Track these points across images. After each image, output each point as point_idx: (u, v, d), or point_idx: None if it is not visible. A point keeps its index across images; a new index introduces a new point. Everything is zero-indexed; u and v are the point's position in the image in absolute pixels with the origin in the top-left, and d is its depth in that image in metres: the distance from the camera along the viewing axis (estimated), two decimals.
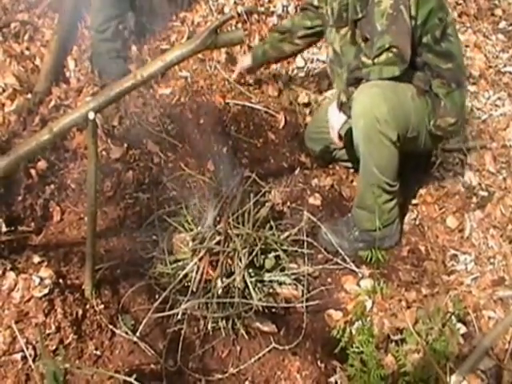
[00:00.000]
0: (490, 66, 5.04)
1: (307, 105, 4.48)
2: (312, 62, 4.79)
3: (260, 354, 2.99)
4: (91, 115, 2.38)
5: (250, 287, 3.06)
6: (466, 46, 5.12)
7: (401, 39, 3.16)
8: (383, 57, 3.17)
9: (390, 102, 3.22)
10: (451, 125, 3.43)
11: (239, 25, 4.81)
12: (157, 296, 3.06)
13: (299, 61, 4.75)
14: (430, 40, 3.32)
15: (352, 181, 4.02)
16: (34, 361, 2.58)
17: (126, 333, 2.85)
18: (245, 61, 4.34)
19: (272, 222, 3.41)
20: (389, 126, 3.21)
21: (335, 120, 3.46)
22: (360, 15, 3.34)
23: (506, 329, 2.80)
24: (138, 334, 2.85)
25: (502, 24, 5.49)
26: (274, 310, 3.15)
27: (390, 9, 3.13)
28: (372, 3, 3.21)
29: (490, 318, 3.26)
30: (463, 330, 3.12)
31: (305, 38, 4.06)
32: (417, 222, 3.79)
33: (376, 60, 3.18)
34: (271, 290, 3.22)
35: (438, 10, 3.31)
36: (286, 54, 4.25)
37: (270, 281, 3.23)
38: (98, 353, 2.76)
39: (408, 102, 3.33)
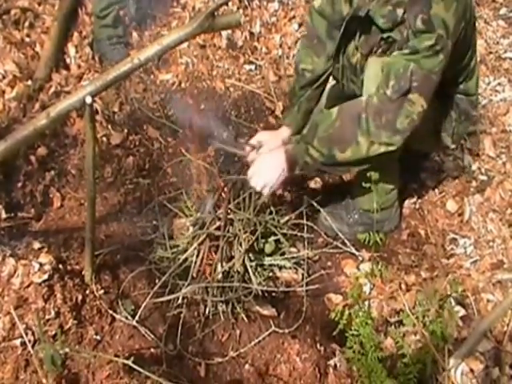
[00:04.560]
0: (491, 52, 5.03)
1: None
2: None
3: (260, 338, 3.00)
4: (88, 99, 2.37)
5: (250, 271, 3.07)
6: None
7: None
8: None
9: None
10: (448, 148, 3.42)
11: (240, 11, 4.81)
12: (157, 281, 3.06)
13: None
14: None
15: None
16: (33, 346, 2.58)
17: (126, 317, 2.86)
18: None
19: (272, 207, 3.41)
20: None
21: (274, 175, 3.13)
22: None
23: (505, 311, 2.80)
24: (137, 318, 2.85)
25: (503, 10, 5.47)
26: (273, 293, 3.15)
27: None
28: None
29: (488, 300, 3.26)
30: (462, 312, 3.13)
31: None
32: (416, 206, 3.79)
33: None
34: (271, 274, 3.23)
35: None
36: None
37: (270, 265, 3.24)
38: (98, 338, 2.77)
39: None
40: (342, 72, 3.37)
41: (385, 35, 2.97)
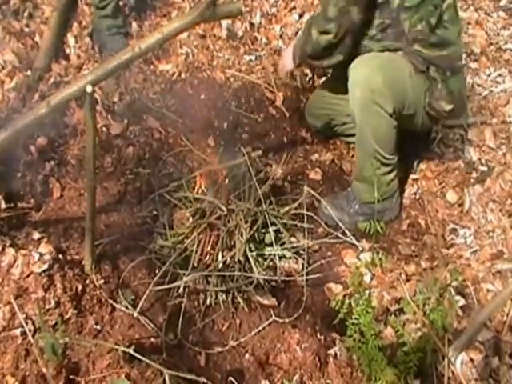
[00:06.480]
0: (491, 43, 5.03)
1: (308, 80, 4.46)
2: None
3: (260, 327, 3.00)
4: (89, 88, 2.36)
5: (251, 261, 3.07)
6: (468, 24, 5.11)
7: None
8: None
9: (386, 74, 3.20)
10: (446, 111, 3.41)
11: (241, 1, 4.80)
12: (157, 270, 3.07)
13: None
14: (425, 27, 3.23)
15: (353, 156, 4.01)
16: (33, 336, 2.58)
17: (126, 307, 2.85)
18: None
19: (272, 198, 3.41)
20: (385, 97, 3.19)
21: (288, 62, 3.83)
22: None
23: (505, 301, 2.81)
24: (138, 308, 2.85)
25: (503, 2, 5.46)
26: (274, 283, 3.16)
27: None
28: None
29: (488, 290, 3.28)
30: (462, 302, 3.13)
31: None
32: (417, 197, 3.79)
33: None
34: (271, 264, 3.22)
35: None
36: None
37: (270, 255, 3.23)
38: (98, 327, 2.76)
39: (405, 78, 3.29)
40: None
41: None
